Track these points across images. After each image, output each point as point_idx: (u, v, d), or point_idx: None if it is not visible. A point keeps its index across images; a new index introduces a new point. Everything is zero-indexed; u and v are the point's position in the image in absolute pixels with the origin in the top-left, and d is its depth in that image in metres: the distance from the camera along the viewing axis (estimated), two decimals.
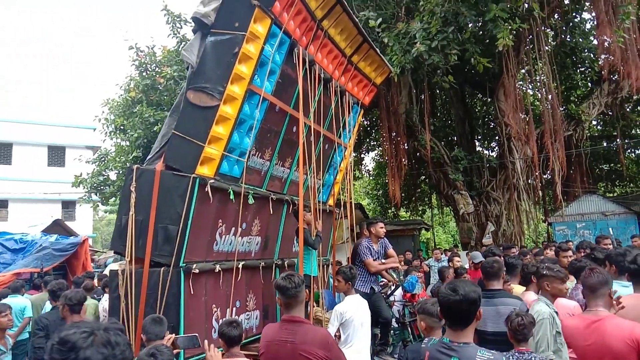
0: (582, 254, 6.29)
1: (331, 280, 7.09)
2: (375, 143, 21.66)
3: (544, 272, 3.93)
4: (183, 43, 14.31)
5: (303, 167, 5.47)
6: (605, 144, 20.84)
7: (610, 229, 15.85)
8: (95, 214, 33.56)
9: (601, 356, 2.94)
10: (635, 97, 17.46)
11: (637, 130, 20.67)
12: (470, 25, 10.93)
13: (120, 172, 15.73)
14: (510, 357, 3.40)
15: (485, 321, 4.16)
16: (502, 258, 5.99)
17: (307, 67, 5.63)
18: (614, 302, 3.29)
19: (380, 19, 10.58)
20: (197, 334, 3.16)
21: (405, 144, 16.05)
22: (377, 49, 7.27)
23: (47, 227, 13.14)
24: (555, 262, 5.36)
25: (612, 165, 22.39)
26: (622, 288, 3.84)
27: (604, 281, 3.21)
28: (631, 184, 22.89)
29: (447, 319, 2.56)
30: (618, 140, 19.36)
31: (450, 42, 10.09)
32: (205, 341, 3.13)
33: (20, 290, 7.88)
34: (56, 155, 29.27)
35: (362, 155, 22.47)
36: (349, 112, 7.13)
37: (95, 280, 8.51)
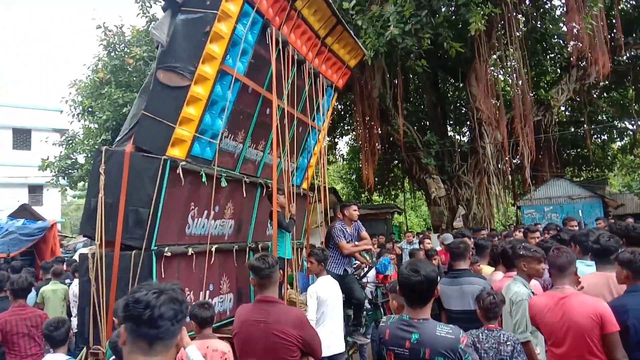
0: (549, 236, 6.47)
1: (305, 263, 7.12)
2: (349, 128, 21.71)
3: (521, 253, 3.90)
4: (153, 22, 13.95)
5: (277, 150, 5.43)
6: (572, 130, 21.38)
7: (580, 211, 16.34)
8: (63, 199, 32.79)
9: (567, 331, 3.04)
10: (602, 84, 17.93)
11: (604, 116, 21.26)
12: (443, 9, 10.96)
13: (89, 155, 15.32)
14: (480, 335, 3.49)
15: (451, 300, 4.29)
16: (472, 240, 6.13)
17: (281, 48, 5.56)
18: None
19: (354, 1, 10.53)
20: None
21: (379, 129, 16.13)
22: (351, 32, 7.24)
23: (13, 211, 12.76)
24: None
25: (579, 150, 23.02)
26: (586, 267, 3.97)
27: (571, 260, 3.31)
28: (597, 169, 23.61)
29: (407, 298, 2.60)
30: (585, 126, 19.87)
31: (423, 26, 10.11)
32: None
33: None
34: (21, 138, 28.34)
35: (336, 140, 22.50)
36: (323, 95, 7.10)
37: (65, 265, 8.34)
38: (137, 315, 1.54)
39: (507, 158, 15.40)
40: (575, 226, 7.42)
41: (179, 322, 1.60)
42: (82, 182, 16.69)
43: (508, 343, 3.38)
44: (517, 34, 13.54)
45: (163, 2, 4.82)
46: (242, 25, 4.89)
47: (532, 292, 3.79)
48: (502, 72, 17.77)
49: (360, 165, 17.85)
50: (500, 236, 9.53)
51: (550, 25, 15.95)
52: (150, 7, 14.60)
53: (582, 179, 23.22)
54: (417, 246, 9.97)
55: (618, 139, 23.13)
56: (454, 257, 4.58)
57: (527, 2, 14.98)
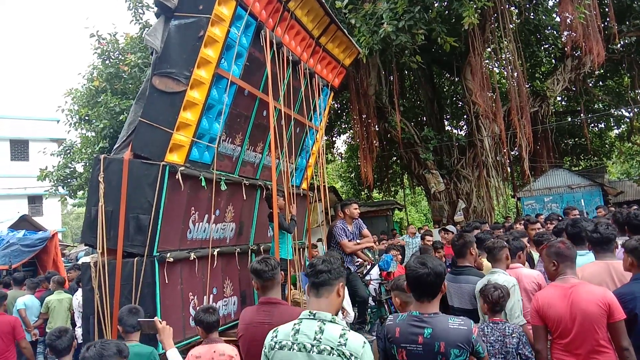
0: (552, 226, 6.47)
1: (307, 262, 7.11)
2: (346, 126, 21.71)
3: (504, 245, 4.14)
4: (146, 29, 13.93)
5: (275, 151, 5.43)
6: (569, 119, 21.39)
7: (582, 200, 16.39)
8: (63, 208, 32.76)
9: (574, 320, 3.04)
10: (597, 73, 17.93)
11: (600, 104, 21.26)
12: (436, 4, 10.97)
13: (87, 163, 15.31)
14: (485, 328, 3.51)
15: (453, 297, 4.32)
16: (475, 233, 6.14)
17: (275, 49, 5.56)
18: None
19: (346, 0, 10.52)
20: (154, 319, 3.30)
21: (376, 126, 16.14)
22: (345, 30, 7.23)
23: (13, 223, 12.76)
24: (524, 235, 5.53)
25: (576, 139, 23.03)
26: (579, 257, 3.99)
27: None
28: (595, 157, 23.63)
29: (415, 291, 2.63)
30: (582, 115, 19.89)
31: (416, 22, 10.11)
32: (156, 318, 3.26)
33: None
34: (19, 149, 28.36)
35: (334, 139, 22.50)
36: (319, 95, 7.10)
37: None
38: (311, 273, 2.45)
39: (505, 150, 15.43)
40: (577, 215, 7.42)
41: (331, 273, 2.41)
42: (82, 191, 16.68)
43: (514, 335, 3.40)
44: (511, 26, 13.55)
45: (156, 9, 4.81)
46: (235, 29, 4.89)
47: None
48: (497, 65, 17.81)
49: (359, 163, 17.84)
50: (504, 228, 9.55)
51: (544, 17, 15.94)
52: (143, 13, 14.60)
53: (580, 168, 23.24)
54: (419, 240, 9.98)
55: (615, 127, 23.15)
56: (454, 253, 4.61)
57: None
